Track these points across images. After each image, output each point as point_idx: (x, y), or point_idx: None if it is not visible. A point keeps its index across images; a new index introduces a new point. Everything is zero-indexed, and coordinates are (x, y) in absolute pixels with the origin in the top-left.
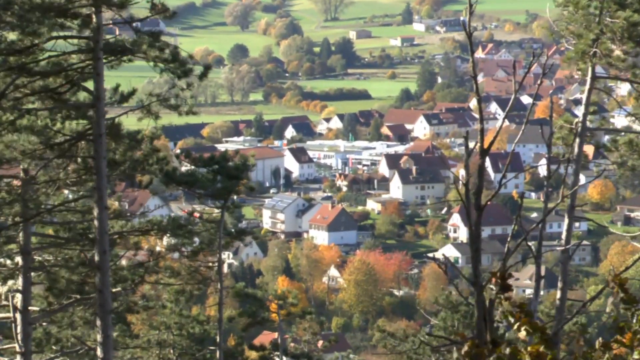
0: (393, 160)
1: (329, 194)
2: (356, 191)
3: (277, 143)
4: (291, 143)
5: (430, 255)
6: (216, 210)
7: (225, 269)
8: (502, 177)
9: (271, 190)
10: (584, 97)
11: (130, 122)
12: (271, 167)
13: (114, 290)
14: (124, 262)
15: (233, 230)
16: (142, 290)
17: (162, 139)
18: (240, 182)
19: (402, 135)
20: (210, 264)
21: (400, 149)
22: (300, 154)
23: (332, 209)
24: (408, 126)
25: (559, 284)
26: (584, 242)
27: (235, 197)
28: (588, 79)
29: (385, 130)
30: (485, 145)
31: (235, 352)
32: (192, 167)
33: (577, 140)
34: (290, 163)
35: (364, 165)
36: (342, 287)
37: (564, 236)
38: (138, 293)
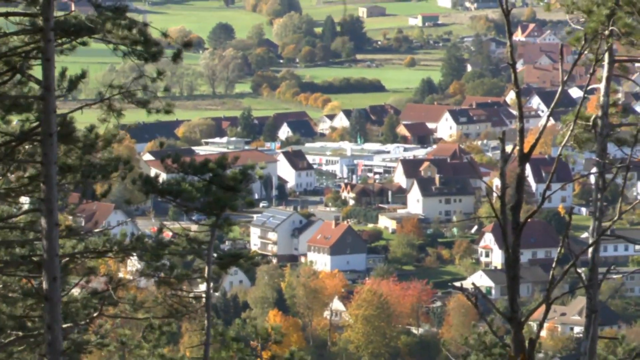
0: (411, 167)
1: (332, 209)
2: (366, 205)
3: (268, 145)
4: (286, 145)
5: (457, 284)
6: (194, 228)
7: (202, 300)
8: (546, 188)
9: (261, 204)
10: (601, 86)
11: (86, 119)
12: (264, 175)
13: (64, 326)
14: (76, 291)
15: (225, 253)
16: (96, 325)
17: (127, 140)
18: (239, 196)
19: (422, 137)
20: (189, 293)
21: (421, 153)
22: (297, 159)
23: (335, 227)
24: (430, 125)
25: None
26: None
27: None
28: (605, 64)
29: (402, 130)
30: (526, 149)
31: None
32: (177, 174)
33: (599, 139)
34: (284, 170)
35: (375, 173)
36: (347, 324)
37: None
38: (91, 329)
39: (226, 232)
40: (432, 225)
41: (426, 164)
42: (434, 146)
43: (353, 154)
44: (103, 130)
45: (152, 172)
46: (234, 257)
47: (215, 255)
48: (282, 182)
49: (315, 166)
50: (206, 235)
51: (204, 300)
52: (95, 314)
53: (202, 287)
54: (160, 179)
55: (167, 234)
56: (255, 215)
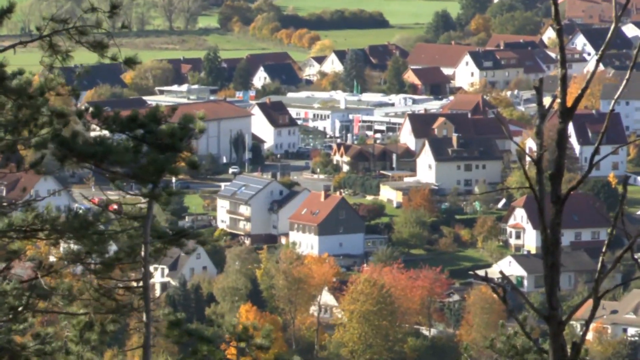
0: (422, 125)
1: (321, 177)
2: (364, 172)
3: (240, 96)
4: (263, 96)
5: (480, 273)
6: (142, 201)
7: (156, 291)
8: (594, 152)
9: (230, 170)
10: None
11: (18, 61)
12: (231, 133)
13: None
14: None
15: (168, 230)
16: (25, 321)
17: (62, 87)
18: (180, 156)
19: (436, 86)
20: (134, 284)
21: (434, 106)
22: (276, 114)
23: (325, 200)
24: (446, 71)
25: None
26: None
27: (173, 179)
28: None
29: (410, 76)
30: (569, 103)
31: None
32: (105, 131)
33: None
34: (260, 127)
35: (376, 131)
36: (340, 323)
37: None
38: (29, 331)
39: (164, 203)
40: (448, 198)
41: (441, 120)
42: (451, 98)
43: (348, 106)
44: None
45: (92, 133)
46: (175, 235)
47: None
48: (257, 143)
49: (299, 122)
50: (141, 210)
51: (150, 289)
52: (20, 308)
53: (155, 272)
54: (80, 139)
55: (111, 207)
56: (222, 184)
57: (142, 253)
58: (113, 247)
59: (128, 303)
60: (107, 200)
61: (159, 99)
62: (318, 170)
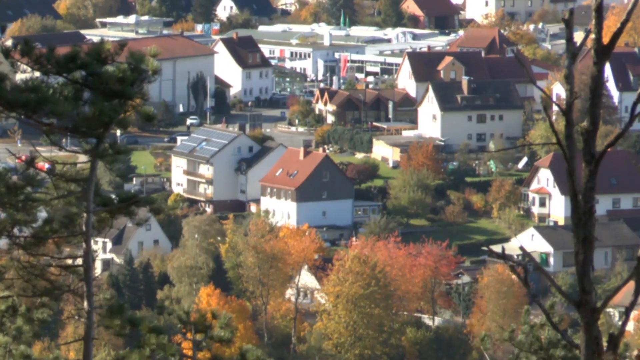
0: (425, 66)
1: (301, 129)
2: (353, 124)
3: (200, 29)
4: (229, 29)
5: (495, 249)
6: (82, 159)
7: (96, 270)
8: (637, 99)
9: (188, 121)
10: None
11: None
12: (189, 75)
13: None
14: None
15: (114, 197)
16: None
17: None
18: (130, 104)
19: (442, 17)
20: (70, 261)
21: (440, 42)
22: (245, 51)
23: (305, 158)
24: None
25: None
26: None
27: (118, 133)
28: None
29: (410, 5)
30: (606, 39)
31: None
32: (37, 73)
33: None
34: (226, 68)
35: (368, 74)
36: (322, 309)
37: None
38: None
39: (111, 163)
40: (457, 157)
41: (448, 60)
42: (460, 32)
43: (333, 43)
44: None
45: (19, 75)
46: (123, 201)
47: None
48: (221, 87)
49: (274, 62)
50: (80, 171)
51: (92, 268)
52: None
53: (95, 246)
54: (8, 84)
55: (42, 166)
56: (179, 139)
57: (83, 224)
58: (43, 216)
59: (63, 284)
60: (38, 158)
61: (101, 33)
62: (296, 121)
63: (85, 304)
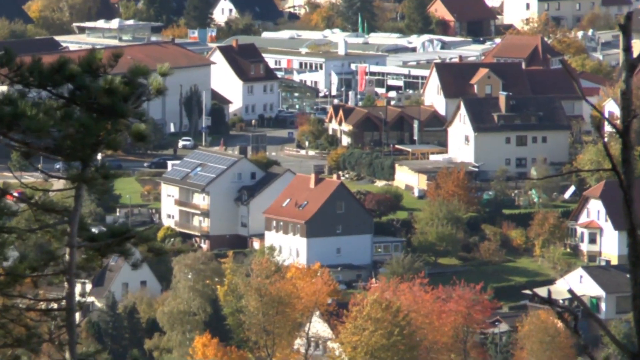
0: (456, 79)
1: (312, 152)
2: (372, 147)
3: (194, 36)
4: (228, 36)
5: (538, 292)
6: (59, 185)
7: (76, 315)
8: None
9: (180, 143)
10: None
11: None
12: (181, 89)
13: None
14: None
15: (105, 230)
16: None
17: None
18: (122, 124)
19: (476, 23)
20: (45, 304)
21: (473, 52)
22: (246, 62)
23: (317, 186)
24: (490, 0)
25: None
26: None
27: (101, 156)
28: None
29: (438, 9)
30: None
31: None
32: (16, 86)
33: None
34: (224, 81)
35: (390, 88)
36: None
37: None
38: None
39: (100, 191)
40: (494, 185)
41: (482, 72)
42: (497, 40)
43: (349, 52)
44: None
45: None
46: (116, 237)
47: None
48: (219, 104)
49: (280, 74)
50: (64, 198)
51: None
52: None
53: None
54: None
55: (10, 197)
56: (170, 164)
57: (66, 262)
58: (14, 253)
59: (43, 332)
60: (5, 186)
61: (79, 40)
62: (307, 143)
63: (67, 355)
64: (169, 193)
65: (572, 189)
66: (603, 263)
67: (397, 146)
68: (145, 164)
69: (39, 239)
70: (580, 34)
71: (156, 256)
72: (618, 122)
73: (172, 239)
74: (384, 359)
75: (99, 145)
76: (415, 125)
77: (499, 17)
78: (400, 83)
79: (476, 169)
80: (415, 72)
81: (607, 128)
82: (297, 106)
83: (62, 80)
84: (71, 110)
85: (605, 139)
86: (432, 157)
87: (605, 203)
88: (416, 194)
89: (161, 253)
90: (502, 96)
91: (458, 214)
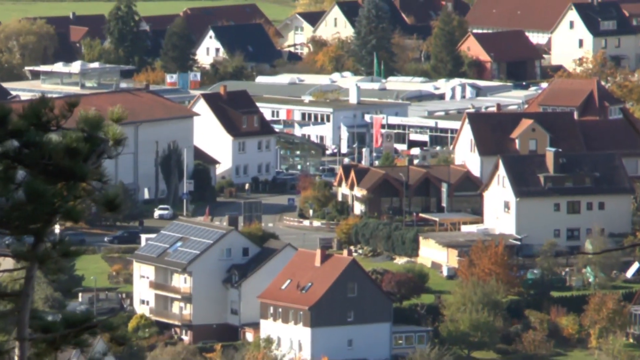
0: (493, 132)
1: (316, 224)
2: (391, 216)
3: (172, 80)
4: (214, 82)
5: None
6: (13, 266)
7: None
8: None
9: (157, 212)
10: None
11: None
12: (157, 146)
13: None
14: None
15: (58, 320)
16: None
17: None
18: (82, 188)
19: (518, 64)
20: None
21: (515, 99)
22: (238, 113)
23: (323, 265)
24: (535, 37)
25: None
26: None
27: (59, 229)
28: None
29: (472, 47)
30: None
31: None
32: None
33: None
34: (210, 135)
35: (412, 144)
36: None
37: None
38: None
39: (55, 271)
40: (540, 262)
41: (526, 124)
42: (543, 85)
43: (363, 100)
44: None
45: None
46: (74, 327)
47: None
48: (203, 164)
49: (278, 128)
50: (13, 281)
51: None
52: None
53: None
54: None
55: None
56: (143, 237)
57: (15, 357)
58: None
59: None
60: None
61: (32, 87)
62: (311, 212)
63: None
64: (142, 274)
65: (635, 265)
66: None
67: (421, 215)
68: (106, 239)
69: None
70: None
71: (119, 346)
72: None
73: (147, 329)
74: None
75: (54, 215)
76: (444, 189)
77: (545, 56)
78: (425, 138)
79: (518, 243)
80: (443, 124)
81: None
82: (299, 167)
83: (6, 134)
84: (14, 174)
85: None
86: (465, 228)
87: None
88: (445, 273)
89: (125, 342)
90: (549, 153)
91: (496, 298)
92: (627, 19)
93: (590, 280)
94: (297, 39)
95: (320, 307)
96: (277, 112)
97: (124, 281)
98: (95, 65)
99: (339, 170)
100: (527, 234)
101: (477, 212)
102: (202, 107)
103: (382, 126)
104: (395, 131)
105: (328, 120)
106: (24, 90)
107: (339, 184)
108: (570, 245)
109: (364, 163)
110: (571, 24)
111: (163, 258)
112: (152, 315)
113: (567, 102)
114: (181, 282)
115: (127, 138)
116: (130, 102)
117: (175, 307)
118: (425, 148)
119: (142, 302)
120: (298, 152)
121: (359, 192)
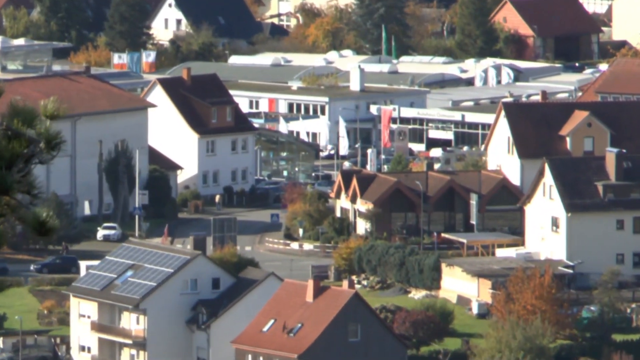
0: (536, 127)
1: (309, 247)
2: (404, 237)
3: (121, 63)
4: (174, 63)
5: None
6: None
7: None
8: None
9: (100, 232)
10: None
11: None
12: (101, 146)
13: None
14: None
15: None
16: None
17: None
18: (7, 204)
19: (567, 39)
20: None
21: (565, 84)
22: (205, 102)
23: (316, 300)
24: (590, 6)
25: None
26: None
27: None
28: None
29: (509, 18)
30: None
31: None
32: None
33: None
34: (169, 132)
35: (432, 143)
36: None
37: None
38: None
39: None
40: (598, 296)
41: (579, 117)
42: (602, 67)
43: (368, 87)
44: None
45: None
46: None
47: None
48: (161, 170)
49: (258, 123)
50: None
51: None
52: None
53: None
54: None
55: None
56: (83, 265)
57: None
58: None
59: None
60: None
61: None
62: (301, 232)
63: None
64: (82, 312)
65: None
66: None
67: (444, 235)
68: (33, 267)
69: None
70: None
71: None
72: None
73: None
74: None
75: None
76: (474, 202)
77: (604, 30)
78: (448, 135)
79: (570, 271)
80: (472, 117)
81: None
82: (285, 173)
83: None
84: None
85: None
86: (500, 253)
87: None
88: (475, 310)
89: None
90: (610, 155)
91: (542, 343)
92: None
93: None
94: (283, 7)
95: (313, 355)
96: (257, 103)
97: (58, 322)
98: (21, 42)
99: (338, 178)
100: (582, 259)
101: (516, 232)
102: (159, 96)
103: (393, 120)
104: (410, 127)
105: (323, 112)
106: None
107: (337, 196)
108: (638, 275)
109: (370, 168)
110: None
111: (109, 292)
112: None
113: (633, 89)
114: (132, 322)
115: (65, 140)
116: (65, 89)
117: (125, 355)
118: (448, 149)
119: (82, 348)
120: (284, 155)
121: (363, 205)
